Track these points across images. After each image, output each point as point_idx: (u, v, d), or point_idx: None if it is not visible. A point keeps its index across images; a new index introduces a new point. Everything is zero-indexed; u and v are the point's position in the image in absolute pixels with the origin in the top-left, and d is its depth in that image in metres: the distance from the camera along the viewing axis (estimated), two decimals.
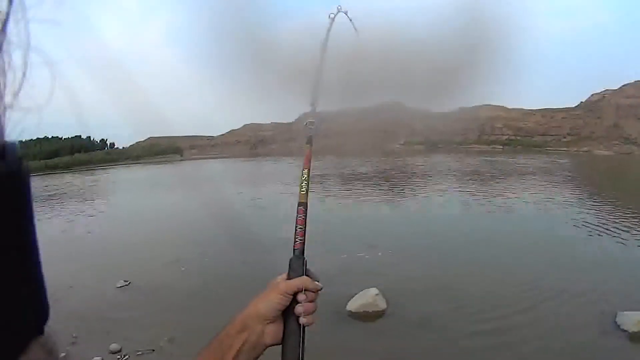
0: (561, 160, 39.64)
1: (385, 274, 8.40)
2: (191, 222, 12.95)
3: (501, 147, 64.93)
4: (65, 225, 14.83)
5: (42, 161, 49.23)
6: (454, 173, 28.45)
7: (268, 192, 20.75)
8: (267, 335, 0.95)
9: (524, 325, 6.30)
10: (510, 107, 73.99)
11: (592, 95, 70.56)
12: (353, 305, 6.91)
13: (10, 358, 0.36)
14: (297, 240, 1.04)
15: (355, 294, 7.11)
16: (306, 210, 1.06)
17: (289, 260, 1.02)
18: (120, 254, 10.61)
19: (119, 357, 5.73)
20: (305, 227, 1.05)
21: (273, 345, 0.96)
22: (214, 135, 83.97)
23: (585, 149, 59.55)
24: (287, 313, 0.97)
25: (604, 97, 68.01)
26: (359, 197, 18.56)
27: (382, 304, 6.93)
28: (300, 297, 0.97)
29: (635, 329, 5.99)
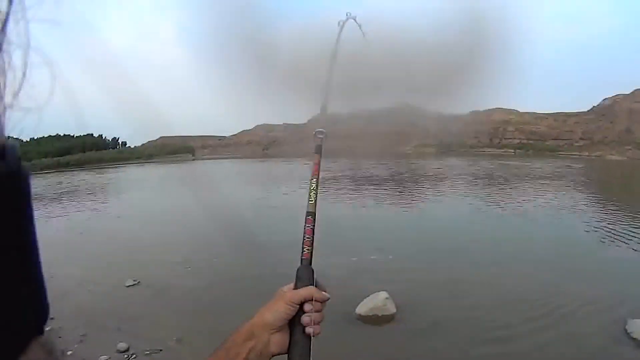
0: (576, 165, 39.37)
1: (395, 277, 8.36)
2: (202, 223, 12.96)
3: (513, 151, 64.70)
4: (76, 223, 14.95)
5: (54, 159, 49.69)
6: (467, 176, 28.35)
7: (283, 194, 20.78)
8: (273, 344, 0.96)
9: (533, 333, 6.23)
10: (522, 110, 73.83)
11: (605, 99, 70.12)
12: (362, 308, 6.87)
13: (10, 358, 0.36)
14: (304, 249, 1.04)
15: (365, 297, 7.07)
16: (314, 220, 1.06)
17: (296, 270, 1.02)
18: (131, 253, 10.66)
19: (126, 356, 5.73)
20: (313, 237, 1.05)
21: (279, 354, 0.97)
22: (226, 135, 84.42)
23: (597, 153, 59.14)
24: (294, 322, 0.98)
25: (616, 101, 67.53)
26: (369, 200, 18.53)
27: (391, 308, 6.89)
28: (307, 307, 0.98)
29: None
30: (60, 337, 6.00)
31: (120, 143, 73.10)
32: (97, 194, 23.52)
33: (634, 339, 5.96)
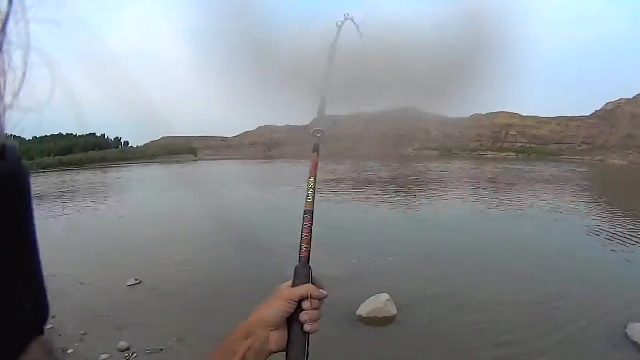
0: (580, 169, 39.32)
1: (396, 279, 8.35)
2: (204, 223, 12.97)
3: (515, 154, 64.58)
4: (78, 222, 14.97)
5: (55, 157, 49.69)
6: (470, 180, 28.34)
7: (284, 194, 20.80)
8: (271, 341, 0.96)
9: (534, 337, 6.22)
10: (525, 114, 73.69)
11: (607, 103, 69.97)
12: (363, 310, 6.87)
13: (10, 358, 0.36)
14: (302, 247, 1.05)
15: (366, 298, 7.07)
16: (312, 218, 1.07)
17: (294, 268, 1.03)
18: (132, 252, 10.66)
19: (127, 355, 5.73)
20: (311, 235, 1.06)
21: (278, 352, 0.97)
22: (228, 136, 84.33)
23: (598, 158, 59.00)
24: (292, 320, 0.98)
25: (618, 105, 67.40)
26: (370, 202, 18.54)
27: (392, 310, 6.89)
28: (305, 304, 0.98)
29: None
30: (60, 335, 6.01)
31: (122, 142, 73.08)
32: (99, 193, 23.54)
33: (634, 343, 5.95)
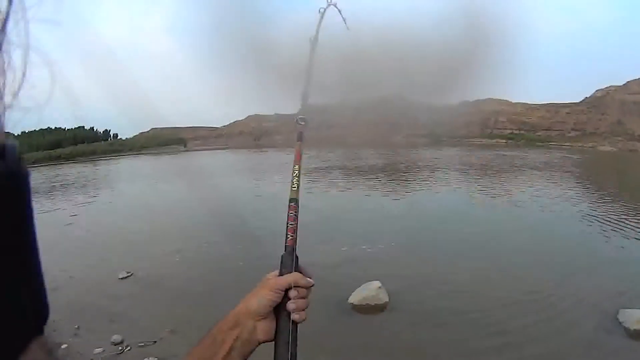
0: (572, 156, 39.55)
1: (387, 267, 8.40)
2: (195, 214, 12.95)
3: (504, 141, 64.81)
4: (69, 215, 14.87)
5: (45, 152, 49.33)
6: (461, 167, 28.43)
7: (274, 184, 20.75)
8: (259, 331, 0.96)
9: (526, 324, 6.27)
10: (514, 101, 73.92)
11: (597, 91, 70.39)
12: (355, 298, 6.91)
13: (10, 358, 0.36)
14: (288, 236, 1.04)
15: (357, 286, 7.10)
16: (298, 206, 1.07)
17: (280, 257, 1.02)
18: (123, 245, 10.63)
19: (120, 348, 5.74)
20: (297, 224, 1.05)
21: (266, 341, 0.96)
22: (217, 126, 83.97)
23: (589, 144, 59.40)
24: (279, 309, 0.97)
25: (608, 93, 67.78)
26: (361, 190, 18.56)
27: (384, 297, 6.93)
28: (292, 293, 0.97)
29: (637, 327, 5.99)
30: (54, 330, 6.00)
31: (111, 135, 72.60)
32: (89, 187, 23.38)
33: (625, 328, 6.04)
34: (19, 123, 0.38)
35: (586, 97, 71.36)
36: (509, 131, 69.03)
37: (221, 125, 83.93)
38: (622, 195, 17.54)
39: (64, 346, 5.72)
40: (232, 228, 10.88)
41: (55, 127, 65.10)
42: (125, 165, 38.04)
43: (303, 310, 0.98)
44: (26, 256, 0.38)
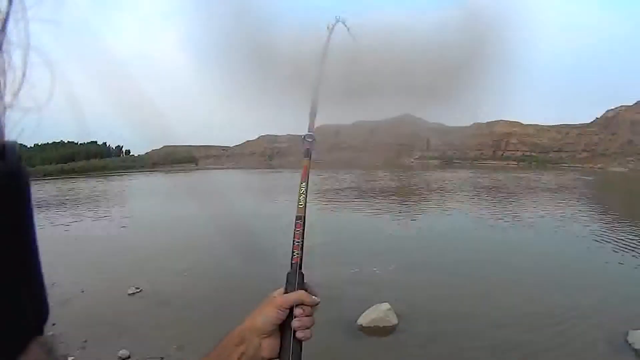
0: (584, 178, 39.27)
1: (397, 288, 8.33)
2: (205, 232, 12.97)
3: (516, 163, 64.54)
4: (80, 230, 14.96)
5: (57, 165, 49.83)
6: (473, 189, 28.30)
7: (284, 203, 20.77)
8: (264, 349, 0.95)
9: (535, 344, 6.18)
10: (525, 122, 73.75)
11: (607, 111, 70.10)
12: (364, 319, 6.84)
13: (10, 358, 0.36)
14: (294, 254, 1.03)
15: (367, 308, 7.05)
16: (304, 224, 1.05)
17: (286, 275, 1.02)
18: (133, 261, 10.67)
19: None
20: (303, 241, 1.04)
21: (270, 359, 0.95)
22: (230, 145, 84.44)
23: (599, 165, 58.95)
24: (284, 327, 0.97)
25: (618, 113, 67.46)
26: (371, 211, 18.52)
27: (393, 319, 6.86)
28: (297, 311, 0.97)
29: None
30: (62, 342, 6.00)
31: (124, 151, 73.25)
32: (103, 202, 23.55)
33: (635, 350, 5.94)
34: (18, 123, 0.37)
35: (596, 118, 71.12)
36: (520, 153, 68.82)
37: (233, 144, 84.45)
38: (635, 216, 17.35)
39: (71, 358, 5.72)
40: (242, 246, 10.88)
41: (68, 141, 65.83)
42: (140, 182, 38.28)
43: (308, 328, 0.97)
44: (26, 256, 0.38)
